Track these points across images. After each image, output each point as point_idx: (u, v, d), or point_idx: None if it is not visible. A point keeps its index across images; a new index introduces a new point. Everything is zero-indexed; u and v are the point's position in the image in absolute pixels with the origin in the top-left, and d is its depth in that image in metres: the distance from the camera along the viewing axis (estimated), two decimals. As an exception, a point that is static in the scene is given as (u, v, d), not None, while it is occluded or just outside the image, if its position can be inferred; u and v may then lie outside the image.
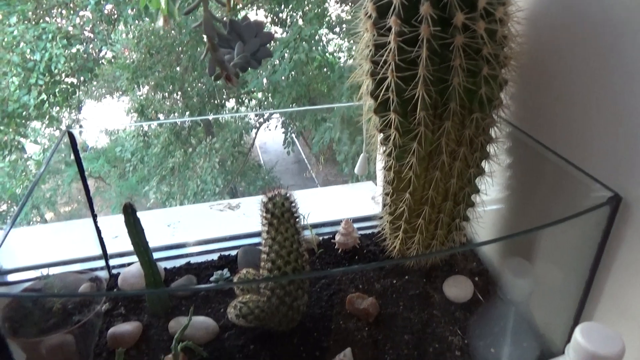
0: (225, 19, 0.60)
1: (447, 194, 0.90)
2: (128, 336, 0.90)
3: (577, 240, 0.79)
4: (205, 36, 0.49)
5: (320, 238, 1.18)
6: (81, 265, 1.13)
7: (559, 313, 0.88)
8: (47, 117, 6.29)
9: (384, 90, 0.81)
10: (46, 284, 1.00)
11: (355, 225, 1.28)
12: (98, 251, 1.10)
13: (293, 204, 0.87)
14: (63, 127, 6.47)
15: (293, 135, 7.51)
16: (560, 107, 0.83)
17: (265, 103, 7.30)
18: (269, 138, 8.61)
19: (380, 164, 1.01)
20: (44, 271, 1.03)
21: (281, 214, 0.84)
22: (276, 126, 7.61)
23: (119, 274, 1.07)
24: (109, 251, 1.35)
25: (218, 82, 0.60)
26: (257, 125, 7.70)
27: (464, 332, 0.92)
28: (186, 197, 6.41)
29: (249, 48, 0.63)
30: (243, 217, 1.65)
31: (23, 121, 6.13)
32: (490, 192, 0.94)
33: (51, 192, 6.59)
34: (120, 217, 1.80)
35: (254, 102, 7.51)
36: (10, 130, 5.93)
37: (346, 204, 1.59)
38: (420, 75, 0.77)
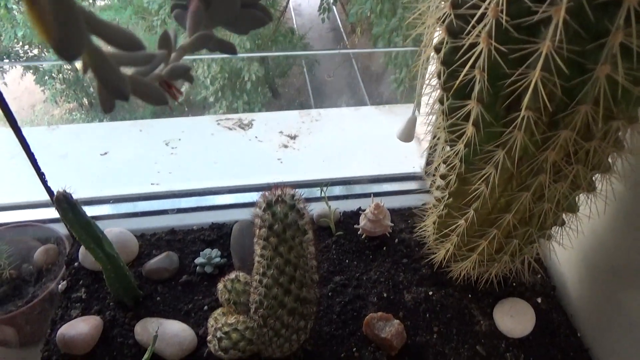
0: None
1: (531, 219, 0.61)
2: (82, 341, 0.71)
3: None
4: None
5: (341, 212, 0.91)
6: (29, 213, 0.91)
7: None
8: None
9: (468, 64, 0.48)
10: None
11: (386, 188, 1.01)
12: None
13: (301, 213, 0.59)
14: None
15: (330, 0, 6.77)
16: None
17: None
18: (304, 0, 7.83)
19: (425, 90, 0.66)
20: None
21: (283, 230, 0.58)
22: (313, -13, 6.83)
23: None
24: (89, 181, 1.13)
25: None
26: (292, -16, 6.92)
27: (514, 387, 0.70)
28: (214, 60, 6.08)
29: (219, 12, 0.31)
30: (255, 141, 1.38)
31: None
32: (591, 209, 0.64)
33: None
34: (117, 126, 1.52)
35: (291, -44, 6.66)
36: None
37: (370, 139, 1.29)
38: (542, 51, 0.43)
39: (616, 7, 0.40)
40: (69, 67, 6.21)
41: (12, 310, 0.78)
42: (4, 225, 0.88)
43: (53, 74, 5.85)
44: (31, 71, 5.77)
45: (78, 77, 6.35)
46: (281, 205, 0.58)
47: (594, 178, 0.59)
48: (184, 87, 4.97)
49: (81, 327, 0.72)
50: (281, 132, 1.40)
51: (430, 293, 0.79)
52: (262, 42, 6.75)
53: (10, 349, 0.86)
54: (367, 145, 1.29)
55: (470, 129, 0.53)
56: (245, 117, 1.44)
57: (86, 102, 6.32)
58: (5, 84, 5.70)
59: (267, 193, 0.59)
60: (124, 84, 0.22)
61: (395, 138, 0.90)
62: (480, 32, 0.45)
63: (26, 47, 5.89)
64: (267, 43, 6.93)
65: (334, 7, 7.16)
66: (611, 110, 0.47)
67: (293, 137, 1.38)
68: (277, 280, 0.61)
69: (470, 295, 0.79)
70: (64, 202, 0.60)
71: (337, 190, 1.01)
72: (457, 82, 0.49)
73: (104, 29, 0.19)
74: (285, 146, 1.36)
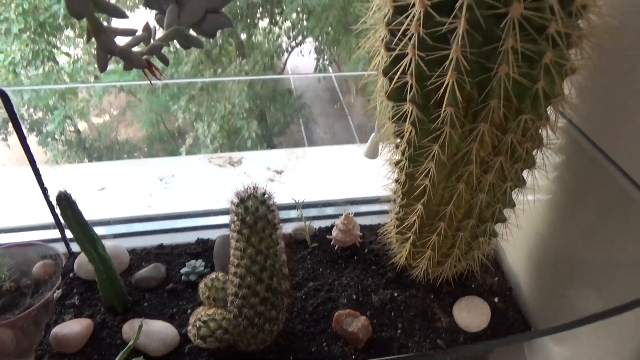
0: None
1: (471, 211, 0.70)
2: (74, 339, 0.77)
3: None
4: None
5: (317, 227, 1.00)
6: (34, 234, 1.00)
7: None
8: (78, 26, 6.12)
9: (400, 71, 0.59)
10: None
11: (361, 209, 1.10)
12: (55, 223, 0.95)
13: (271, 209, 0.68)
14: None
15: (326, 62, 7.15)
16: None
17: (300, 26, 6.91)
18: (301, 63, 8.24)
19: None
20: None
21: (254, 222, 0.66)
22: (309, 51, 7.23)
23: (80, 252, 0.92)
24: (86, 211, 1.22)
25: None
26: (289, 49, 7.34)
27: (472, 375, 0.75)
28: (214, 120, 6.31)
29: (188, 15, 0.41)
30: (243, 176, 1.48)
31: (54, 31, 5.99)
32: (528, 204, 0.73)
33: (83, 103, 6.59)
34: (115, 164, 1.64)
35: (288, 23, 7.10)
36: (42, 39, 5.81)
37: (351, 172, 1.39)
38: (452, 57, 0.53)
39: (504, 17, 0.51)
40: (71, 129, 6.45)
41: (9, 318, 0.84)
42: (8, 244, 0.96)
43: (56, 136, 6.05)
44: (34, 133, 5.98)
45: (80, 139, 6.56)
46: (253, 201, 0.67)
47: (524, 173, 0.69)
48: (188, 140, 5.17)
49: (73, 327, 0.79)
50: (268, 168, 1.50)
51: (396, 294, 0.86)
52: (261, 101, 7.04)
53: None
54: (348, 177, 1.39)
55: (408, 128, 0.63)
56: (236, 155, 1.55)
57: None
58: (9, 146, 5.90)
59: (240, 191, 0.68)
60: (115, 46, 0.32)
61: (365, 159, 1.00)
62: (407, 43, 0.56)
63: (31, 110, 6.14)
64: (265, 103, 7.22)
65: (329, 68, 7.54)
66: (517, 105, 0.57)
67: (279, 172, 1.49)
68: (250, 268, 0.68)
69: (432, 296, 0.86)
70: (64, 201, 0.69)
71: (315, 212, 1.10)
72: (390, 86, 0.60)
73: (99, 2, 0.30)
74: (272, 180, 1.46)
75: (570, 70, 0.58)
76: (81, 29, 6.13)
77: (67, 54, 6.64)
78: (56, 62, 6.42)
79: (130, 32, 0.35)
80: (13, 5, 5.30)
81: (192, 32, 0.43)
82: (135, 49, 0.37)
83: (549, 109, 0.62)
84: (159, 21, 0.42)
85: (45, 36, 5.90)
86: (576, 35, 0.55)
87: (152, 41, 0.38)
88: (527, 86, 0.55)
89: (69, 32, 6.48)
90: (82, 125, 7.09)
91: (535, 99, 0.56)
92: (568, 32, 0.53)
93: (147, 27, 0.37)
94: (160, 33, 0.40)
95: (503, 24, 0.51)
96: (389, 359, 0.71)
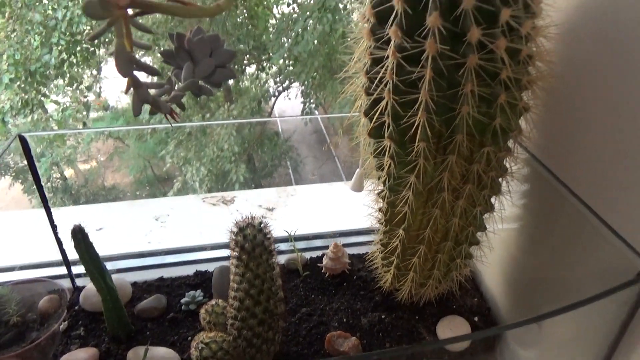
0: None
1: (447, 234, 0.78)
2: (81, 366, 0.81)
3: (599, 313, 0.66)
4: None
5: (308, 257, 1.07)
6: (40, 271, 1.05)
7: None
8: (68, 75, 6.26)
9: (379, 112, 0.68)
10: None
11: (350, 240, 1.17)
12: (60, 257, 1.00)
13: (267, 236, 0.75)
14: (83, 86, 6.47)
15: (312, 105, 7.36)
16: (592, 146, 0.69)
17: (286, 71, 7.15)
18: (288, 106, 8.45)
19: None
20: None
21: (252, 249, 0.73)
22: (296, 95, 7.45)
23: (84, 287, 0.98)
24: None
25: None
26: (277, 93, 7.56)
27: (456, 389, 0.81)
28: (202, 164, 6.39)
29: (201, 70, 0.50)
30: (236, 214, 1.55)
31: (44, 80, 6.12)
32: (499, 228, 0.81)
33: (70, 150, 6.64)
34: (111, 205, 1.72)
35: (274, 69, 7.34)
36: (32, 89, 5.92)
37: (339, 207, 1.47)
38: (421, 100, 0.63)
39: (462, 66, 0.61)
40: (57, 175, 6.49)
41: (17, 350, 0.89)
42: (16, 281, 1.01)
43: (42, 183, 6.04)
44: (20, 181, 5.98)
45: (66, 185, 6.58)
46: (251, 229, 0.74)
47: (492, 200, 0.77)
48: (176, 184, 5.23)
49: (80, 355, 0.83)
50: (260, 206, 1.58)
51: (383, 316, 0.92)
52: (249, 145, 7.16)
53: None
54: (336, 211, 1.47)
55: (388, 161, 0.71)
56: (228, 194, 1.63)
57: (71, 208, 6.46)
58: (-7, 195, 5.90)
59: (239, 221, 0.76)
60: (149, 97, 0.40)
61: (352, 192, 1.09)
62: (383, 88, 0.66)
63: (17, 157, 6.18)
64: (253, 146, 7.34)
65: (315, 111, 7.74)
66: (480, 139, 0.67)
67: (271, 210, 1.56)
68: (248, 292, 0.74)
69: (417, 317, 0.92)
70: (79, 234, 0.75)
71: (306, 244, 1.17)
72: (371, 125, 0.69)
73: (140, 64, 0.38)
74: (264, 217, 1.52)
75: (523, 109, 0.68)
76: (70, 79, 6.27)
77: (56, 102, 6.75)
78: (45, 111, 6.51)
79: (159, 86, 0.43)
80: (5, 56, 5.41)
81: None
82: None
83: (510, 142, 0.72)
84: (177, 75, 0.51)
85: (35, 85, 6.01)
86: (525, 80, 0.65)
87: (173, 92, 0.47)
88: (486, 123, 0.64)
89: (58, 81, 6.62)
90: (68, 172, 7.10)
91: (494, 134, 0.66)
92: (518, 77, 0.63)
93: (169, 81, 0.46)
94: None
95: (462, 72, 0.61)
96: (362, 355, 0.76)
